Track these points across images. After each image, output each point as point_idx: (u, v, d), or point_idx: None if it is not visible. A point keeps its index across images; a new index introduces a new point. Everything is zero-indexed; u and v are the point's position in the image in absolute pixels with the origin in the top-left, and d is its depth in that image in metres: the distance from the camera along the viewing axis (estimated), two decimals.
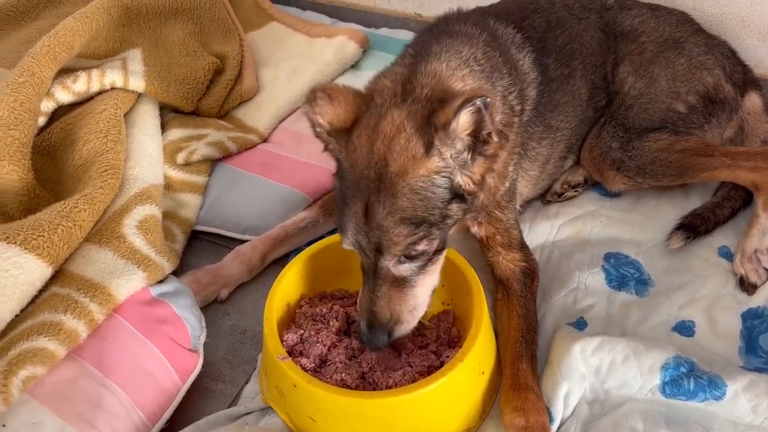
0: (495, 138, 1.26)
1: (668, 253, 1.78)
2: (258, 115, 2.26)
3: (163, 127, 2.13)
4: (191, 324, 1.59)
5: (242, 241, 1.92)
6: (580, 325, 1.63)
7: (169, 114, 2.20)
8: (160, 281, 1.64)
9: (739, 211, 1.85)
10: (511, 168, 1.62)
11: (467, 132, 1.22)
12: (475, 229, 1.66)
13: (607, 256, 1.78)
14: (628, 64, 1.92)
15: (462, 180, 1.27)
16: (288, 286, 1.55)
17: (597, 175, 1.93)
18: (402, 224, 1.23)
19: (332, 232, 1.97)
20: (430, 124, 1.22)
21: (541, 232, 1.88)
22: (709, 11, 2.15)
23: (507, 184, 1.62)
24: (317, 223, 1.93)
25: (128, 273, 1.56)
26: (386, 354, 1.49)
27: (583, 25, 1.91)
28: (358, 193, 1.25)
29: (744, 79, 1.95)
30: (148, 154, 1.93)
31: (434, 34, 1.56)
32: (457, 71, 1.40)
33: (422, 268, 1.33)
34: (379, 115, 1.28)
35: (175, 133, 2.10)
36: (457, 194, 1.28)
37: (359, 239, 1.28)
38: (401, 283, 1.32)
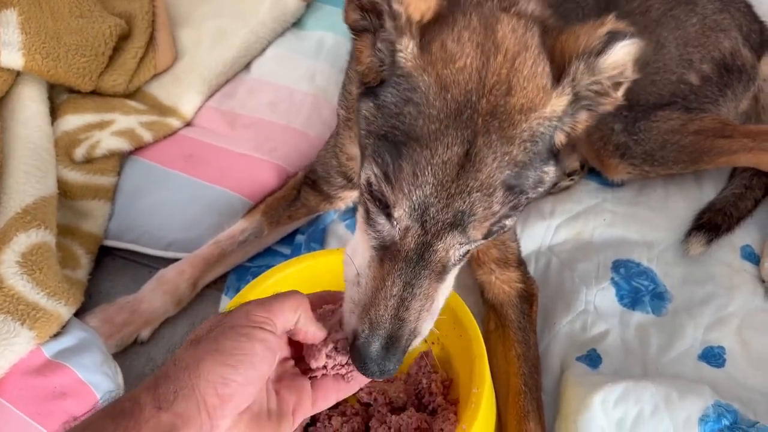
0: (620, 93, 0.91)
1: (685, 257, 1.51)
2: (178, 90, 1.80)
3: (54, 113, 1.64)
4: (102, 389, 1.22)
5: (166, 259, 1.53)
6: (593, 360, 1.34)
7: (61, 95, 1.70)
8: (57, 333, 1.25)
9: (761, 202, 1.59)
10: None
11: (616, 72, 0.86)
12: None
13: (616, 265, 1.49)
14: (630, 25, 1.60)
15: (561, 135, 0.92)
16: None
17: (596, 163, 1.62)
18: (505, 186, 0.85)
19: (285, 244, 1.61)
20: (551, 48, 0.88)
21: (536, 235, 1.56)
22: None
23: None
24: (260, 234, 1.55)
25: (8, 334, 1.16)
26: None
27: None
28: (454, 131, 0.83)
29: (761, 40, 1.65)
30: (32, 153, 1.47)
31: None
32: None
33: (467, 255, 0.93)
34: (487, 16, 0.88)
35: (71, 122, 1.63)
36: (553, 153, 0.92)
37: (432, 207, 0.84)
38: (440, 277, 0.91)
